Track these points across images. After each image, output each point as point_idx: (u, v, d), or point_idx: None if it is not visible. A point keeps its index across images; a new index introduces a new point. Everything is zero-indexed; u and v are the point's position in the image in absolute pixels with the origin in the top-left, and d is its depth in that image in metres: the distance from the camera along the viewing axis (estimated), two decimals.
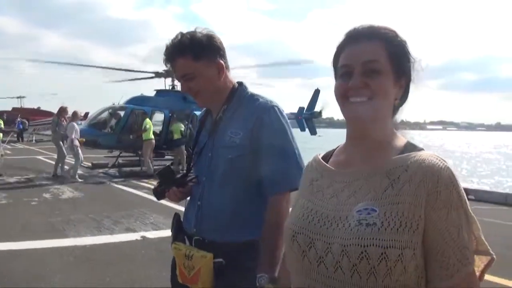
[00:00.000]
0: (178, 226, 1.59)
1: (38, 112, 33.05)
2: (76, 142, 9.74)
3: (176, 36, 1.46)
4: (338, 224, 0.88)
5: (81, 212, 6.27)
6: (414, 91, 1.00)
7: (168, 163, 11.36)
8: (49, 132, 30.58)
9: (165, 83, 13.65)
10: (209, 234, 1.46)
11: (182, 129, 11.72)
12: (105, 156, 13.13)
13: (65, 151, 10.19)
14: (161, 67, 13.12)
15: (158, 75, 13.52)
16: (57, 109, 10.79)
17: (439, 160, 0.88)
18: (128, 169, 11.61)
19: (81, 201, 7.38)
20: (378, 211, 0.85)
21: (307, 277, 0.91)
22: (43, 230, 5.26)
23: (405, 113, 1.03)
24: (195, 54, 1.44)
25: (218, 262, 1.38)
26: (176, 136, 11.56)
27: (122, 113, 11.99)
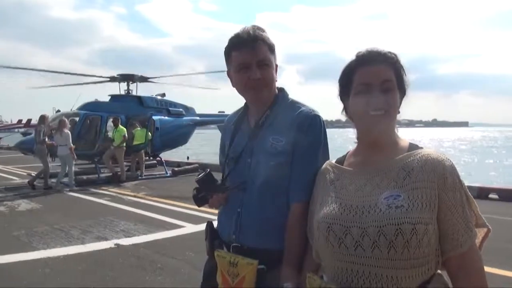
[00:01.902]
0: (214, 234, 1.59)
1: None
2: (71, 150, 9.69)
3: (247, 28, 1.49)
4: (369, 211, 1.08)
5: (44, 224, 6.05)
6: (405, 103, 1.25)
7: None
8: None
9: (119, 88, 13.32)
10: (249, 241, 1.47)
11: (144, 134, 11.55)
12: (58, 165, 12.57)
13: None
14: (107, 70, 12.90)
15: (113, 79, 13.16)
16: None
17: (441, 154, 1.14)
18: (84, 177, 11.22)
19: (41, 212, 7.09)
20: (403, 196, 1.07)
21: (345, 261, 1.10)
22: (8, 244, 5.03)
23: None
24: (269, 46, 1.49)
25: (260, 269, 1.40)
26: (137, 141, 11.37)
27: (76, 119, 11.57)
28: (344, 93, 1.22)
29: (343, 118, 1.28)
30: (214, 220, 1.68)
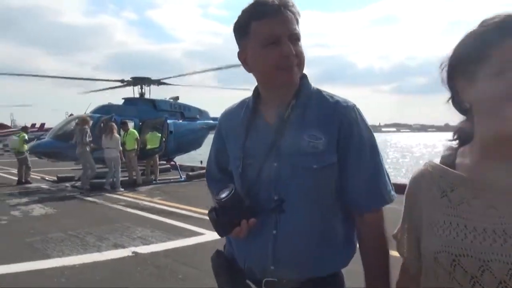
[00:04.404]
0: (232, 268, 1.26)
1: None
2: None
3: None
4: None
5: (59, 230, 5.85)
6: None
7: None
8: (0, 146, 28.92)
9: (133, 91, 13.19)
10: (291, 270, 1.18)
11: (159, 138, 11.37)
12: (71, 169, 12.48)
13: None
14: (117, 75, 12.73)
15: (126, 83, 13.04)
16: (5, 120, 10.29)
17: None
18: (97, 181, 11.07)
19: (55, 217, 6.91)
20: None
21: None
22: (22, 252, 4.83)
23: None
24: (297, 18, 1.18)
25: None
26: (151, 145, 11.20)
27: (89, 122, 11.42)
28: (465, 73, 0.85)
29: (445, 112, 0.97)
30: None
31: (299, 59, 1.17)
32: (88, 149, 9.81)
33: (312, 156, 1.15)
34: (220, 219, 1.15)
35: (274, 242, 1.17)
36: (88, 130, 9.89)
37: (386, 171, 1.24)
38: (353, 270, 1.26)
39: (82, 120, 10.09)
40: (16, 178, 11.41)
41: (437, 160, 0.97)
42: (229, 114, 1.36)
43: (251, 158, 1.22)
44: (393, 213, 1.21)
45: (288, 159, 1.17)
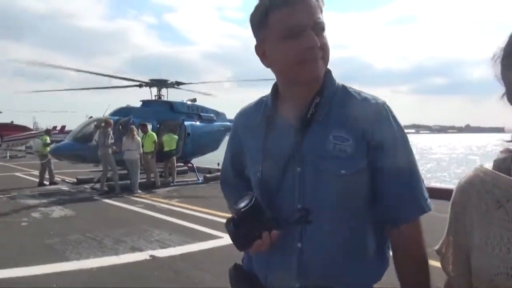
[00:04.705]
0: (251, 285, 1.15)
1: (11, 127, 31.73)
2: None
3: None
4: None
5: (77, 232, 5.87)
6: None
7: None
8: (22, 148, 29.61)
9: (151, 93, 13.26)
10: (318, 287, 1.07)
11: (176, 140, 11.39)
12: (90, 171, 12.61)
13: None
14: (137, 78, 12.75)
15: (145, 84, 13.11)
16: (28, 123, 10.40)
17: None
18: (112, 183, 11.14)
19: (74, 219, 6.96)
20: None
21: None
22: (42, 254, 4.85)
23: None
24: (321, 6, 1.05)
25: None
26: (168, 147, 11.21)
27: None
28: None
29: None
30: None
31: (324, 51, 1.04)
32: (110, 151, 9.85)
33: (339, 161, 1.03)
34: (239, 231, 1.03)
35: (300, 257, 1.06)
36: (111, 133, 9.94)
37: (421, 177, 1.11)
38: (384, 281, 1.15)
39: (105, 123, 10.13)
40: (38, 180, 11.59)
41: (488, 165, 0.85)
42: (246, 114, 1.24)
43: (272, 162, 1.10)
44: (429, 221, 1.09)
45: (313, 163, 1.05)
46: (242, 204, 1.02)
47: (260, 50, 1.11)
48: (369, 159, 1.05)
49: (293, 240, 1.07)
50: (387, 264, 1.14)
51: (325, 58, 1.06)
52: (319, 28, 1.03)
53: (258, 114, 1.18)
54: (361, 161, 1.05)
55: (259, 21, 1.07)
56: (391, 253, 1.13)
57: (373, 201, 1.08)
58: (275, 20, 1.03)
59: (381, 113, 1.07)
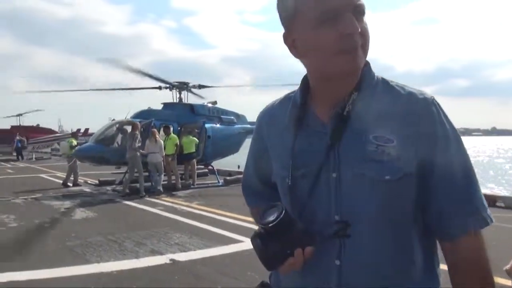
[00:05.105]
0: None
1: (37, 130, 32.60)
2: None
3: None
4: None
5: (98, 234, 5.85)
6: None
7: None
8: (47, 150, 30.43)
9: (173, 96, 13.29)
10: None
11: (196, 142, 11.38)
12: (111, 173, 12.73)
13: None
14: (158, 82, 12.74)
15: (165, 87, 13.16)
16: (52, 126, 10.52)
17: None
18: (137, 185, 11.20)
19: (96, 221, 6.96)
20: None
21: None
22: (62, 256, 4.83)
23: None
24: None
25: None
26: (188, 149, 11.19)
27: (129, 127, 11.61)
28: None
29: None
30: None
31: (365, 38, 0.89)
32: (138, 154, 9.86)
33: (383, 165, 0.89)
34: (268, 248, 0.88)
35: (338, 276, 0.92)
36: (139, 136, 9.93)
37: (479, 184, 0.95)
38: None
39: (133, 125, 10.12)
40: (61, 181, 11.77)
41: None
42: (271, 112, 1.10)
43: (303, 167, 0.96)
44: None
45: (351, 168, 0.91)
46: (271, 218, 0.87)
47: (289, 39, 0.96)
48: (417, 163, 0.90)
49: (330, 257, 0.92)
50: (438, 283, 0.98)
51: (365, 46, 0.91)
52: (359, 11, 0.88)
53: (286, 112, 1.03)
54: (408, 164, 0.89)
55: (288, 5, 0.93)
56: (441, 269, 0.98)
57: (421, 211, 0.93)
58: (308, 3, 0.89)
59: (430, 109, 0.92)
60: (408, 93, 0.94)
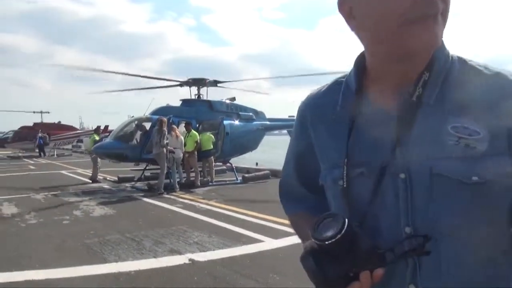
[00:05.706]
0: None
1: (58, 127, 33.16)
2: None
3: None
4: None
5: (116, 231, 5.77)
6: None
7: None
8: (69, 147, 30.93)
9: (190, 93, 13.22)
10: None
11: (213, 139, 11.27)
12: (130, 170, 12.74)
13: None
14: (177, 78, 12.70)
15: (184, 83, 13.09)
16: (74, 123, 10.57)
17: None
18: (156, 182, 11.17)
19: (114, 218, 6.90)
20: None
21: None
22: (80, 254, 4.76)
23: None
24: None
25: None
26: (206, 147, 11.08)
27: (148, 124, 11.58)
28: None
29: None
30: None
31: (446, 4, 0.71)
32: (165, 150, 9.74)
33: (469, 162, 0.70)
34: (327, 271, 0.69)
35: None
36: (166, 132, 9.79)
37: None
38: None
39: (159, 123, 9.92)
40: (82, 178, 11.84)
41: None
42: (317, 101, 0.91)
43: (361, 166, 0.79)
44: None
45: (425, 167, 0.72)
46: (330, 233, 0.69)
47: (345, 7, 0.78)
48: None
49: (403, 280, 0.74)
50: None
51: (446, 13, 0.71)
52: None
53: (336, 100, 0.85)
54: (503, 162, 0.70)
55: None
56: None
57: None
58: None
59: None
60: (494, 73, 0.75)
